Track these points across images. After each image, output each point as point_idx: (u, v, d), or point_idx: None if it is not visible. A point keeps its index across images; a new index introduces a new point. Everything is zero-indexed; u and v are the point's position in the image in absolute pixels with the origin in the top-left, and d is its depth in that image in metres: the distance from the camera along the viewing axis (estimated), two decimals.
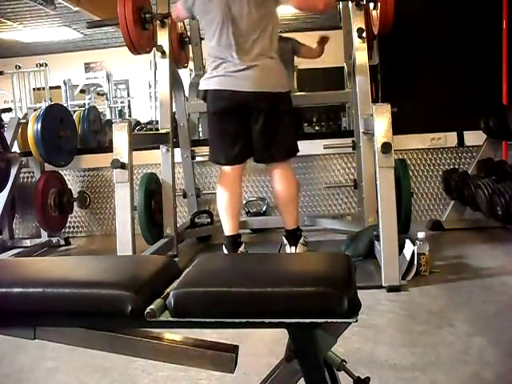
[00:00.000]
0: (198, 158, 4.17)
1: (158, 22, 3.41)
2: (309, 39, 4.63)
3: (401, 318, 2.40)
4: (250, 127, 3.03)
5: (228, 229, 3.13)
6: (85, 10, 6.12)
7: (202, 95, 3.13)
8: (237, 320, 1.03)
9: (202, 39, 4.37)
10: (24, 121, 4.09)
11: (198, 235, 3.93)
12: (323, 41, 4.40)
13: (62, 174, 4.29)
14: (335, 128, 7.52)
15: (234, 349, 1.09)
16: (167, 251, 3.29)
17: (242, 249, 3.15)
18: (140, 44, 3.28)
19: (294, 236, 3.18)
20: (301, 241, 3.18)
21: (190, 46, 4.31)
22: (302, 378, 1.10)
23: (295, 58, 4.66)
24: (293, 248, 3.16)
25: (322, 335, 1.07)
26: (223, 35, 2.96)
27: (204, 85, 3.08)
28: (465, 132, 4.09)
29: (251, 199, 4.32)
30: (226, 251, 3.13)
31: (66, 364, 2.07)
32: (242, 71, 2.94)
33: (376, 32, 3.36)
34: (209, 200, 4.31)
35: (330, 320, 1.00)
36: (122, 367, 1.98)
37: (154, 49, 3.49)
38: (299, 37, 4.67)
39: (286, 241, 3.23)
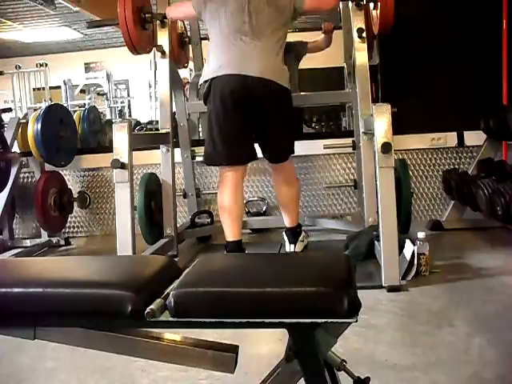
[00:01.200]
0: (197, 158, 4.16)
1: (158, 21, 3.40)
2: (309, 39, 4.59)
3: (401, 318, 2.40)
4: (257, 124, 2.93)
5: (230, 234, 3.00)
6: (85, 10, 6.12)
7: (206, 88, 2.94)
8: (237, 320, 1.03)
9: (202, 39, 4.37)
10: (24, 121, 4.08)
11: (198, 235, 3.92)
12: (328, 29, 4.29)
13: (62, 174, 4.28)
14: (335, 128, 7.51)
15: (234, 349, 1.09)
16: (167, 251, 3.28)
17: None
18: (140, 44, 3.29)
19: (293, 233, 3.24)
20: (300, 238, 3.24)
21: (190, 46, 4.31)
22: (302, 378, 1.10)
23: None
24: (292, 246, 3.21)
25: (322, 335, 1.07)
26: (236, 22, 2.85)
27: (208, 74, 2.92)
28: (465, 132, 4.09)
29: (251, 199, 4.32)
30: None
31: (65, 364, 2.07)
32: (249, 56, 2.84)
33: (376, 32, 3.36)
34: (209, 200, 4.31)
35: (330, 320, 1.00)
36: (121, 367, 1.98)
37: (154, 49, 3.49)
38: (299, 37, 4.64)
39: (285, 237, 3.28)
